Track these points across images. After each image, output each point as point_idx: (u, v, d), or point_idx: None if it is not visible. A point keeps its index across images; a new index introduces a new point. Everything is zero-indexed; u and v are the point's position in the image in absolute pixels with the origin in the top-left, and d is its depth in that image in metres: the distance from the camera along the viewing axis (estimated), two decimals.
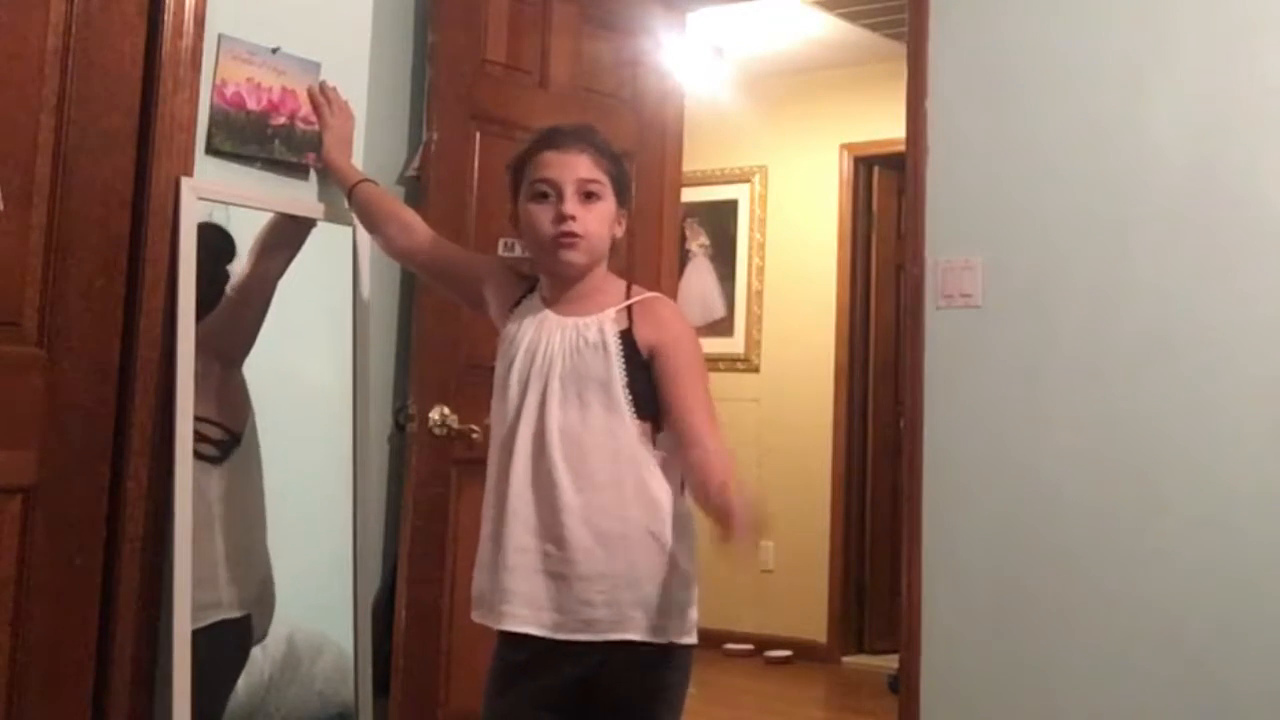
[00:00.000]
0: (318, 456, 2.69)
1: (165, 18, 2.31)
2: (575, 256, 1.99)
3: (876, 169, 5.89)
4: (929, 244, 3.08)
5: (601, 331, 1.95)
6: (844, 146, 5.87)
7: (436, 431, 2.80)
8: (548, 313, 2.01)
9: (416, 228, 2.39)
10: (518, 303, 2.08)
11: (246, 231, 2.51)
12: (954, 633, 2.96)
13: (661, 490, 1.93)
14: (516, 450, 1.95)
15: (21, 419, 2.12)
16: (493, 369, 2.07)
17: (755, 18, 5.08)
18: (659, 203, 3.47)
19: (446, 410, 2.81)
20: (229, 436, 2.46)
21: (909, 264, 3.13)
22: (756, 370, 6.02)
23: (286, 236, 2.56)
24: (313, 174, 2.61)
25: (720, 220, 6.19)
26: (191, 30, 2.35)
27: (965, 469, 2.99)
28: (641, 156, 3.31)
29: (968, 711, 2.94)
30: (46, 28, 2.17)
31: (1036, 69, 3.00)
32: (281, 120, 2.54)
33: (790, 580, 5.77)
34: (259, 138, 2.50)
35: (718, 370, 5.98)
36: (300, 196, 2.59)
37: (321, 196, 2.63)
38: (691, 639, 1.94)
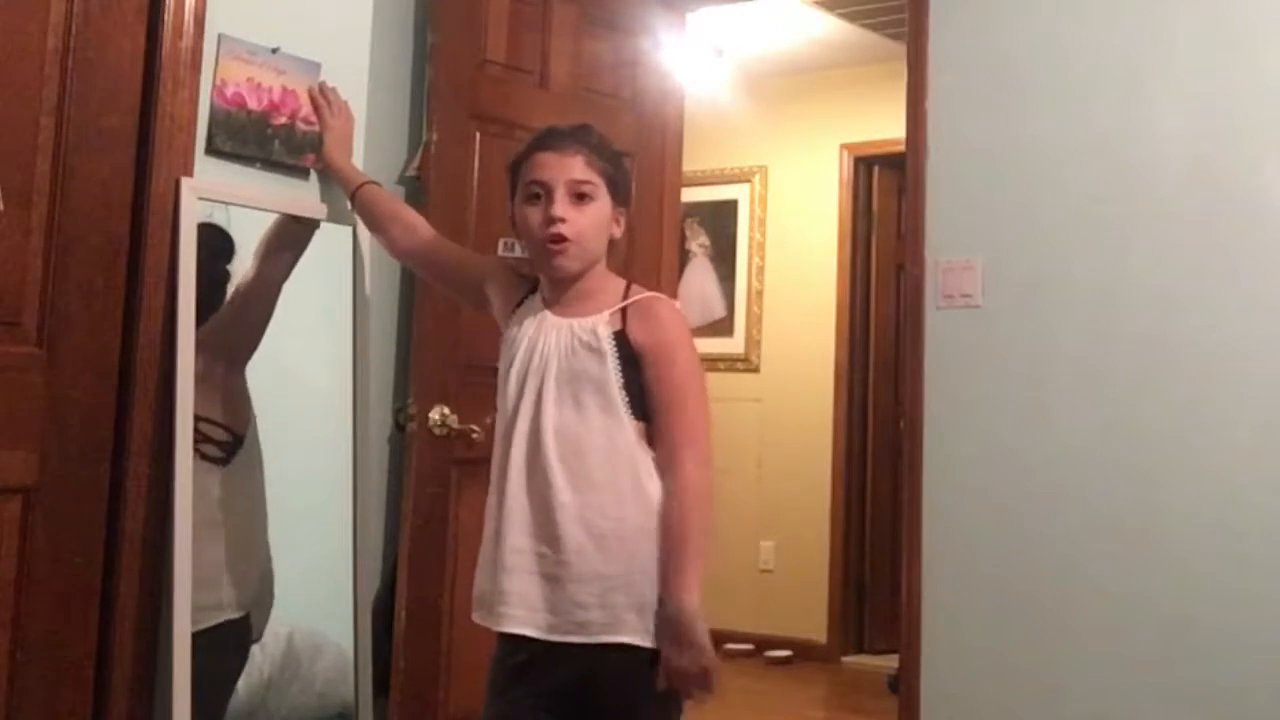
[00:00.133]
0: (318, 456, 2.69)
1: (165, 18, 2.31)
2: (563, 261, 1.98)
3: (876, 169, 5.89)
4: (929, 244, 3.08)
5: (596, 333, 1.94)
6: (844, 146, 5.87)
7: (436, 431, 2.80)
8: (546, 313, 2.01)
9: (420, 229, 2.40)
10: (519, 304, 2.08)
11: (246, 231, 2.51)
12: (954, 633, 2.96)
13: (659, 492, 1.92)
14: (513, 451, 1.96)
15: (21, 419, 2.12)
16: (493, 369, 2.07)
17: (755, 18, 5.08)
18: (659, 203, 3.47)
19: (446, 410, 2.81)
20: (233, 438, 2.46)
21: (909, 264, 3.13)
22: (756, 370, 6.02)
23: (290, 238, 2.56)
24: (313, 174, 2.61)
25: (720, 220, 6.19)
26: (191, 30, 2.35)
27: (965, 469, 2.99)
28: (641, 156, 3.31)
29: (968, 711, 2.94)
30: (46, 28, 2.16)
31: (1037, 69, 3.00)
32: (282, 120, 2.54)
33: (790, 580, 5.78)
34: (259, 138, 2.50)
35: (717, 370, 5.99)
36: (301, 197, 2.59)
37: (322, 197, 2.63)
38: None
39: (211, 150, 2.42)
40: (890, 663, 4.39)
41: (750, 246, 6.11)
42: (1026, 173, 2.98)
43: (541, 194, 1.99)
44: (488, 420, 2.07)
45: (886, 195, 5.88)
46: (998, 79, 3.05)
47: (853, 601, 5.76)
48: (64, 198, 2.18)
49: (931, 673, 2.98)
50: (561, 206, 1.97)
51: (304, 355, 2.68)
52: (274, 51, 2.52)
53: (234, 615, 2.45)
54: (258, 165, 2.51)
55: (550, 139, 2.02)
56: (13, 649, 2.10)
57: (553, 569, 1.90)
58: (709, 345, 5.99)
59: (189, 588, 2.24)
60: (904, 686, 3.05)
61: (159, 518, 2.27)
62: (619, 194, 2.04)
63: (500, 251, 2.74)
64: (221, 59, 2.42)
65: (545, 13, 3.17)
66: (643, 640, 1.88)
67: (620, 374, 1.92)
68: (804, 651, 5.62)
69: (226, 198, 2.44)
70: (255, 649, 2.51)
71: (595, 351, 1.93)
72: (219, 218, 2.44)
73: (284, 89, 2.54)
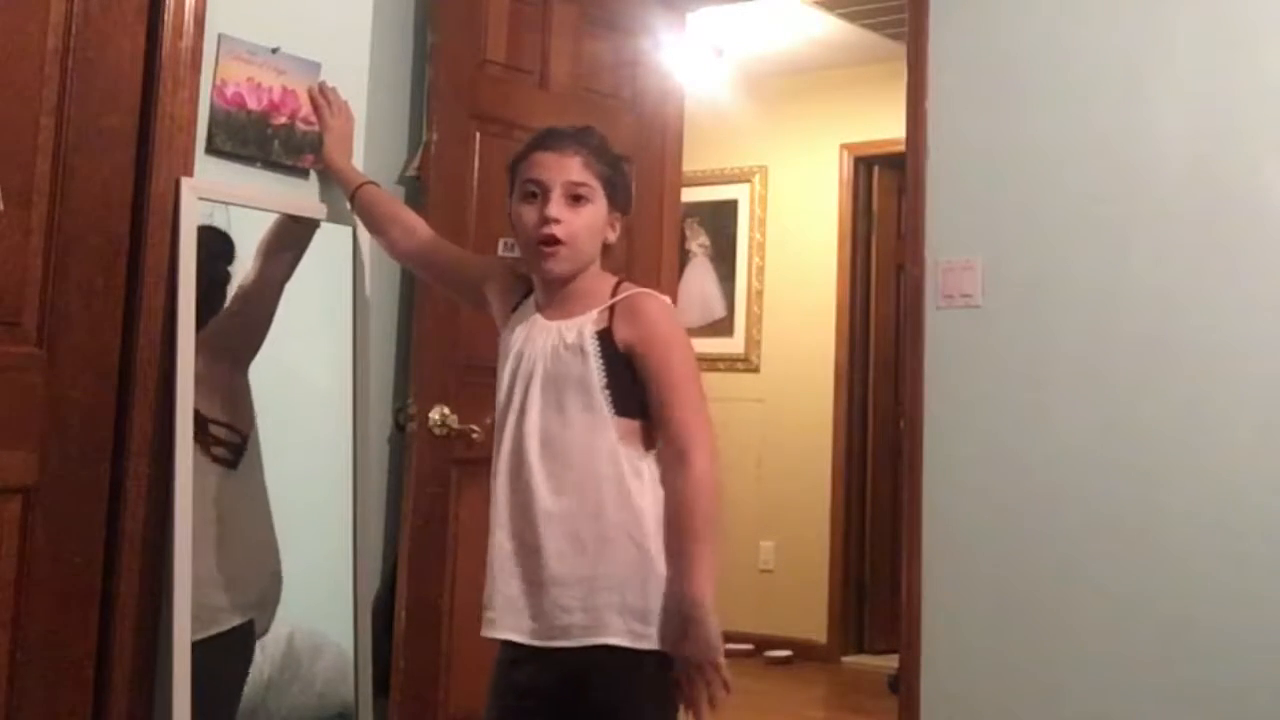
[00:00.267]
0: (318, 456, 2.68)
1: (165, 18, 2.31)
2: (555, 265, 1.97)
3: (876, 169, 5.90)
4: (929, 244, 3.08)
5: (580, 333, 1.94)
6: (844, 146, 5.87)
7: (436, 431, 2.80)
8: (537, 317, 2.01)
9: (419, 230, 2.40)
10: (516, 307, 2.08)
11: (247, 231, 2.51)
12: (954, 633, 2.97)
13: (646, 493, 1.90)
14: (501, 457, 1.97)
15: (21, 419, 2.12)
16: (493, 369, 2.07)
17: (755, 18, 5.08)
18: (659, 203, 3.47)
19: (446, 410, 2.81)
20: (240, 439, 2.46)
21: (909, 264, 3.13)
22: (756, 370, 6.02)
23: (290, 239, 2.56)
24: (313, 174, 2.61)
25: (720, 220, 6.19)
26: (191, 30, 2.34)
27: (965, 469, 2.99)
28: (641, 157, 3.30)
29: (968, 711, 2.94)
30: (46, 28, 2.16)
31: (1037, 69, 3.00)
32: (282, 120, 2.53)
33: (790, 580, 5.78)
34: (259, 138, 2.50)
35: (717, 370, 5.99)
36: (301, 197, 2.58)
37: (322, 197, 2.63)
38: None
39: (211, 150, 2.42)
40: (890, 663, 4.39)
41: (750, 246, 6.11)
42: (1026, 173, 2.99)
43: (538, 193, 1.98)
44: (487, 420, 2.07)
45: (886, 195, 5.88)
46: (998, 79, 3.05)
47: (853, 601, 5.76)
48: (64, 198, 2.18)
49: (931, 673, 2.98)
50: (556, 207, 1.96)
51: (304, 355, 2.68)
52: (274, 51, 2.52)
53: (252, 616, 2.47)
54: (258, 165, 2.51)
55: (550, 139, 2.01)
56: (13, 649, 2.10)
57: (535, 573, 1.90)
58: (709, 345, 5.99)
59: (189, 588, 2.24)
60: (904, 686, 3.05)
61: (159, 518, 2.27)
62: (616, 198, 2.02)
63: (500, 251, 2.74)
64: (221, 59, 2.42)
65: (545, 13, 3.17)
66: (627, 642, 1.86)
67: (604, 373, 1.91)
68: (804, 651, 5.63)
69: (226, 198, 2.44)
70: (256, 648, 2.51)
71: (578, 352, 1.92)
72: (219, 218, 2.44)
73: (284, 89, 2.54)
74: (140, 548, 2.25)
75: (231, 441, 2.44)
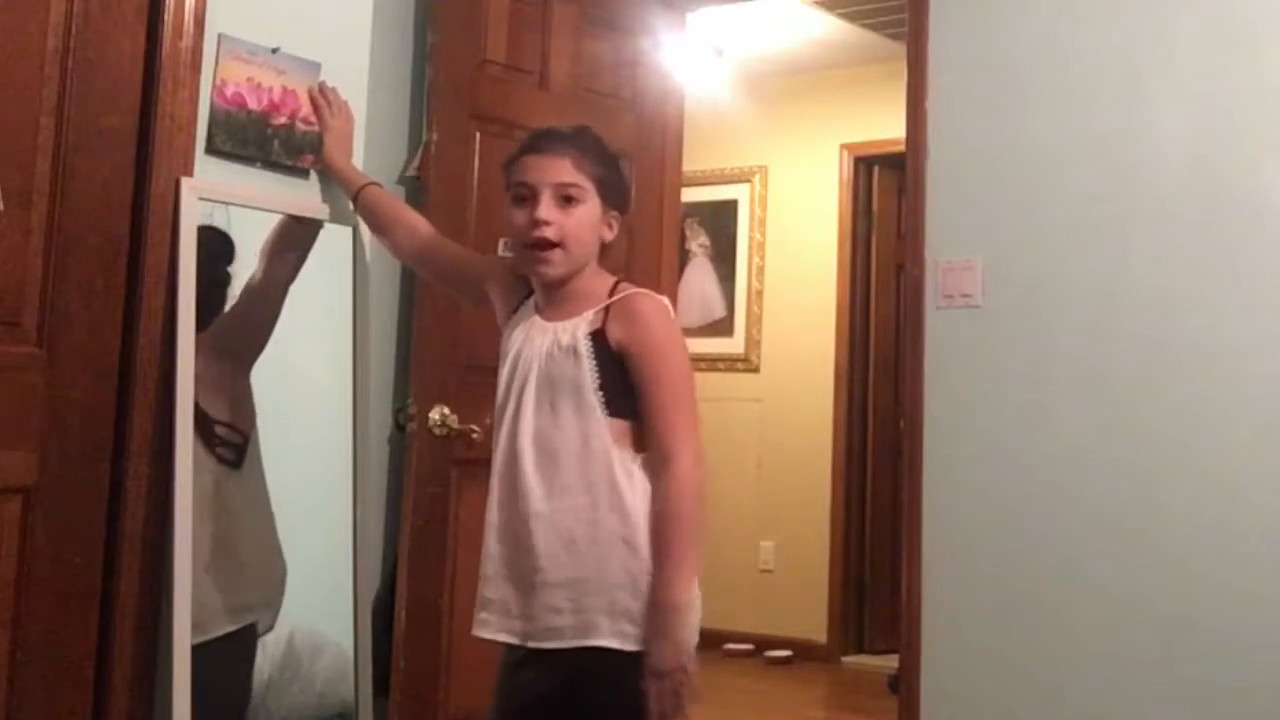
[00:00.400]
0: (318, 456, 2.69)
1: (165, 18, 2.31)
2: (547, 268, 1.98)
3: (876, 169, 5.90)
4: (929, 244, 3.08)
5: (574, 335, 1.93)
6: (844, 146, 5.87)
7: (436, 431, 2.80)
8: (535, 318, 2.01)
9: (423, 231, 2.40)
10: (517, 308, 2.08)
11: (247, 231, 2.51)
12: (954, 633, 2.96)
13: (637, 494, 1.90)
14: (497, 458, 1.97)
15: (21, 419, 2.12)
16: (493, 369, 2.08)
17: (755, 18, 5.08)
18: (659, 203, 3.47)
19: (446, 410, 2.81)
20: (243, 439, 2.46)
21: (909, 264, 3.13)
22: (756, 370, 6.02)
23: (293, 239, 2.56)
24: (314, 174, 2.61)
25: (720, 220, 6.19)
26: (191, 30, 2.34)
27: (965, 469, 2.99)
28: (641, 157, 3.31)
29: (968, 711, 2.94)
30: (46, 28, 2.16)
31: (1037, 69, 3.00)
32: (282, 120, 2.53)
33: (790, 580, 5.78)
34: (259, 138, 2.50)
35: (717, 370, 5.99)
36: (301, 197, 2.58)
37: (323, 197, 2.62)
38: None
39: (211, 150, 2.42)
40: (890, 663, 4.39)
41: (750, 246, 6.11)
42: (1026, 173, 2.98)
43: (528, 196, 1.98)
44: (487, 420, 2.07)
45: (886, 195, 5.88)
46: (998, 79, 3.05)
47: (853, 601, 5.76)
48: (64, 198, 2.17)
49: (931, 673, 2.98)
50: (546, 209, 1.96)
51: (304, 355, 2.68)
52: (274, 51, 2.52)
53: (257, 617, 2.47)
54: (258, 165, 2.51)
55: (538, 141, 2.01)
56: (13, 649, 2.10)
57: (526, 575, 1.90)
58: (709, 345, 5.99)
59: (189, 588, 2.24)
60: (904, 686, 3.05)
61: (159, 518, 2.27)
62: (610, 197, 2.02)
63: (500, 251, 2.74)
64: (221, 59, 2.42)
65: (545, 13, 3.17)
66: (617, 643, 1.86)
67: (597, 374, 1.91)
68: (804, 651, 5.62)
69: (226, 198, 2.44)
70: (257, 648, 2.52)
71: (571, 354, 1.92)
72: (219, 218, 2.44)
73: (284, 89, 2.53)
74: (140, 548, 2.25)
75: (234, 441, 2.44)
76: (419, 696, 2.77)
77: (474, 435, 2.79)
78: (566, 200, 1.97)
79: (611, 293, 1.98)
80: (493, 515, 1.96)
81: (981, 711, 2.92)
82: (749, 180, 6.15)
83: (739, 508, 5.84)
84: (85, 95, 2.21)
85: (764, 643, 5.67)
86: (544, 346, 1.95)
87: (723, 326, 6.11)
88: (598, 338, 1.93)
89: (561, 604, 1.88)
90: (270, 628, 2.51)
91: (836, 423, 5.76)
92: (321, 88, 2.60)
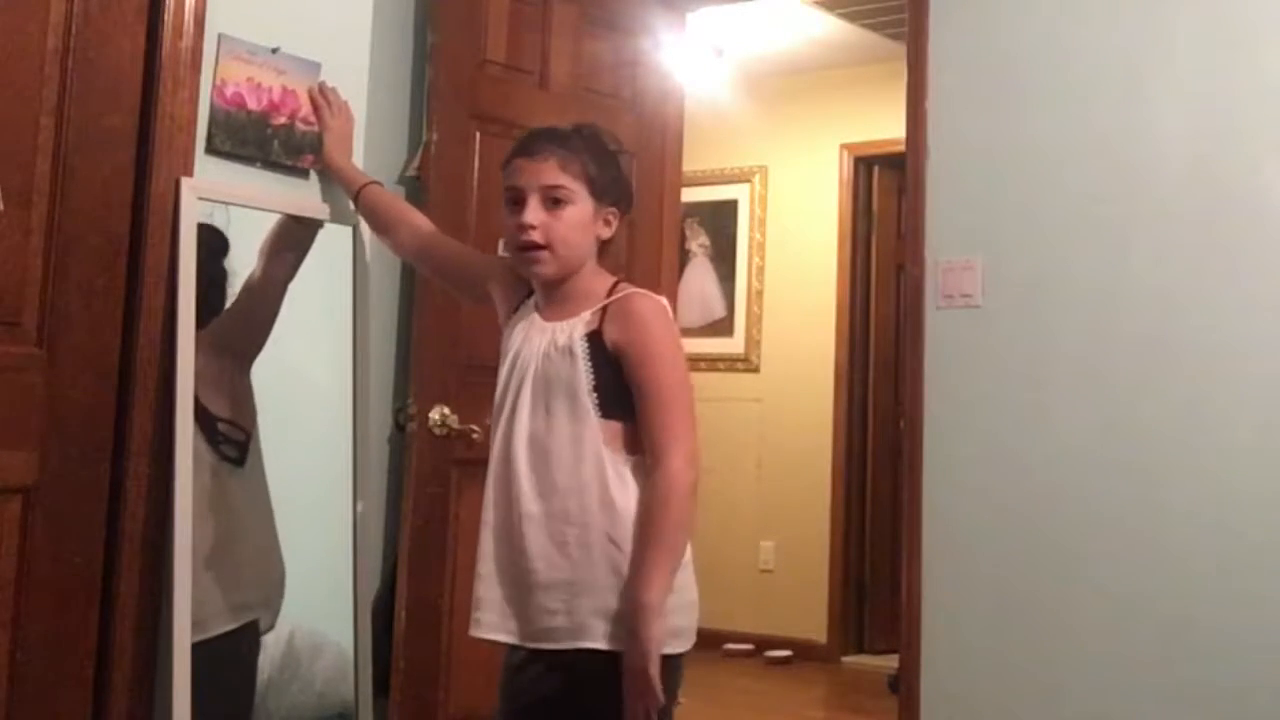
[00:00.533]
0: (318, 456, 2.69)
1: (165, 18, 2.31)
2: (539, 269, 1.98)
3: (876, 169, 5.90)
4: (929, 244, 3.08)
5: (571, 336, 1.93)
6: (844, 146, 5.87)
7: (436, 431, 2.80)
8: (535, 318, 2.01)
9: (424, 230, 2.40)
10: (517, 308, 2.08)
11: (247, 231, 2.51)
12: (954, 633, 2.96)
13: (629, 496, 1.89)
14: (493, 458, 1.97)
15: (21, 419, 2.12)
16: (493, 369, 2.07)
17: (755, 18, 5.08)
18: (659, 203, 3.47)
19: (446, 410, 2.81)
20: (245, 437, 2.47)
21: (909, 264, 3.13)
22: (756, 370, 6.02)
23: (292, 239, 2.56)
24: (313, 174, 2.61)
25: (720, 220, 6.19)
26: (191, 30, 2.34)
27: (965, 469, 2.99)
28: (641, 156, 3.31)
29: (968, 711, 2.94)
30: (46, 28, 2.16)
31: (1037, 69, 3.00)
32: (281, 120, 2.53)
33: (790, 580, 5.78)
34: (259, 138, 2.49)
35: (718, 370, 5.99)
36: (301, 197, 2.58)
37: (323, 197, 2.62)
38: (669, 648, 1.87)
39: (211, 150, 2.42)
40: (890, 663, 4.39)
41: (750, 246, 6.11)
42: (1026, 173, 2.98)
43: (518, 199, 1.98)
44: (487, 420, 2.06)
45: (886, 195, 5.88)
46: (998, 79, 3.05)
47: (853, 601, 5.76)
48: (64, 198, 2.17)
49: (931, 673, 2.98)
50: (533, 213, 1.96)
51: (304, 355, 2.68)
52: (274, 51, 2.51)
53: (259, 614, 2.48)
54: (258, 165, 2.51)
55: (526, 143, 2.01)
56: (13, 649, 2.09)
57: (520, 576, 1.90)
58: (709, 345, 5.99)
59: (189, 588, 2.24)
60: (904, 686, 3.05)
61: (159, 518, 2.27)
62: (604, 194, 2.01)
63: (500, 251, 2.73)
64: (221, 59, 2.42)
65: (545, 13, 3.17)
66: (609, 645, 1.85)
67: (592, 375, 1.91)
68: (804, 651, 5.62)
69: (226, 198, 2.44)
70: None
71: (567, 354, 1.92)
72: (219, 218, 2.44)
73: (284, 89, 2.53)
74: (140, 548, 2.25)
75: (236, 439, 2.44)
76: (419, 696, 2.77)
77: (474, 435, 2.79)
78: (555, 202, 1.96)
79: (610, 293, 1.97)
80: (488, 515, 1.96)
81: (981, 711, 2.92)
82: (749, 180, 6.15)
83: (739, 508, 5.84)
84: (85, 95, 2.21)
85: (764, 643, 5.67)
86: (541, 347, 1.95)
87: (723, 326, 6.11)
88: (594, 338, 1.93)
89: (555, 605, 1.87)
90: (270, 627, 2.52)
91: (836, 423, 5.76)
92: (321, 88, 2.60)
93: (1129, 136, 2.87)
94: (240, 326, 2.52)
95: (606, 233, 2.03)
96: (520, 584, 1.91)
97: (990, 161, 3.03)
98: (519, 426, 1.93)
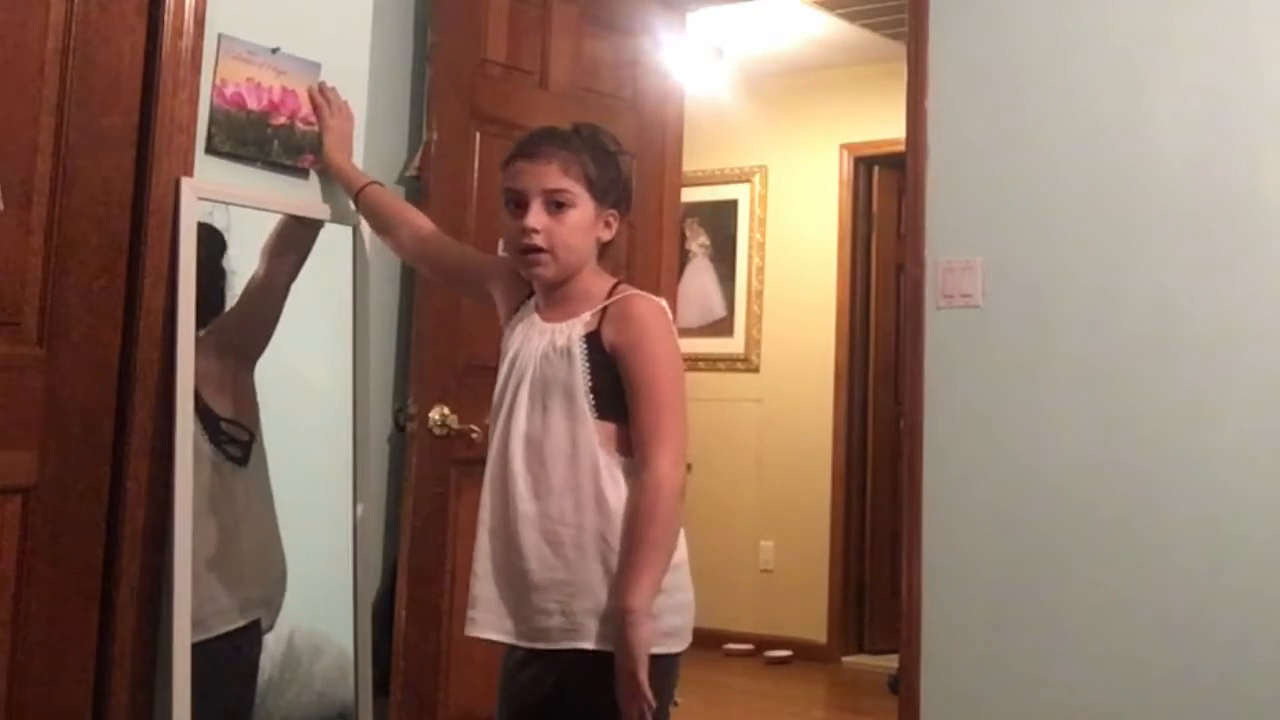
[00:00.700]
0: (318, 456, 2.69)
1: (165, 18, 2.31)
2: (540, 271, 1.98)
3: (876, 169, 5.89)
4: (929, 244, 3.08)
5: (569, 337, 1.93)
6: (844, 146, 5.87)
7: (436, 431, 2.80)
8: (535, 319, 2.01)
9: (425, 230, 2.40)
10: (517, 308, 2.08)
11: (247, 231, 2.51)
12: (954, 633, 2.96)
13: (622, 497, 1.88)
14: (490, 458, 1.97)
15: (21, 419, 2.12)
16: (493, 369, 2.07)
17: (755, 18, 5.08)
18: (659, 203, 3.47)
19: (446, 410, 2.81)
20: (249, 436, 2.47)
21: (909, 264, 3.13)
22: (756, 370, 6.02)
23: (293, 239, 2.56)
24: (313, 174, 2.61)
25: (720, 220, 6.19)
26: (191, 30, 2.34)
27: (965, 469, 2.99)
28: (642, 156, 3.31)
29: (968, 711, 2.94)
30: (46, 28, 2.16)
31: (1037, 69, 3.00)
32: (281, 120, 2.53)
33: (790, 580, 5.78)
34: (259, 138, 2.50)
35: (718, 370, 5.99)
36: (301, 197, 2.58)
37: (323, 197, 2.62)
38: (663, 648, 1.88)
39: (211, 150, 2.42)
40: (890, 663, 4.39)
41: (750, 246, 6.11)
42: (1026, 173, 2.99)
43: (519, 202, 1.98)
44: (487, 420, 2.06)
45: (886, 195, 5.88)
46: (998, 79, 3.05)
47: (853, 601, 5.75)
48: (64, 198, 2.17)
49: (931, 673, 2.98)
50: (535, 217, 1.95)
51: (304, 355, 2.68)
52: (274, 51, 2.51)
53: (261, 613, 2.48)
54: (258, 165, 2.51)
55: (528, 145, 2.00)
56: (13, 649, 2.10)
57: (516, 576, 1.90)
58: (709, 345, 5.99)
59: (189, 588, 2.24)
60: (904, 686, 3.05)
61: (159, 518, 2.27)
62: (605, 196, 2.00)
63: (501, 251, 2.73)
64: (221, 59, 2.42)
65: (545, 13, 3.17)
66: (606, 647, 1.85)
67: (589, 376, 1.91)
68: (804, 651, 5.62)
69: (226, 198, 2.44)
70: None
71: (565, 355, 1.92)
72: (219, 218, 2.44)
73: (284, 89, 2.53)
74: (140, 548, 2.25)
75: (240, 439, 2.44)
76: (419, 696, 2.77)
77: (474, 435, 2.79)
78: (557, 206, 1.96)
79: (610, 294, 1.97)
80: (484, 514, 1.96)
81: (981, 711, 2.92)
82: (749, 180, 6.15)
83: (739, 508, 5.84)
84: (85, 95, 2.21)
85: (764, 643, 5.67)
86: (540, 348, 1.95)
87: (723, 326, 6.10)
88: (592, 339, 1.93)
89: (550, 606, 1.88)
90: (271, 626, 2.52)
91: (836, 423, 5.76)
92: (321, 87, 2.60)
93: (1129, 136, 2.87)
94: (243, 327, 2.53)
95: (607, 234, 2.03)
96: (516, 584, 1.91)
97: (990, 161, 3.03)
98: (516, 427, 1.93)
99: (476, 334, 2.79)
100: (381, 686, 2.67)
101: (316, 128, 2.58)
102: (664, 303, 1.99)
